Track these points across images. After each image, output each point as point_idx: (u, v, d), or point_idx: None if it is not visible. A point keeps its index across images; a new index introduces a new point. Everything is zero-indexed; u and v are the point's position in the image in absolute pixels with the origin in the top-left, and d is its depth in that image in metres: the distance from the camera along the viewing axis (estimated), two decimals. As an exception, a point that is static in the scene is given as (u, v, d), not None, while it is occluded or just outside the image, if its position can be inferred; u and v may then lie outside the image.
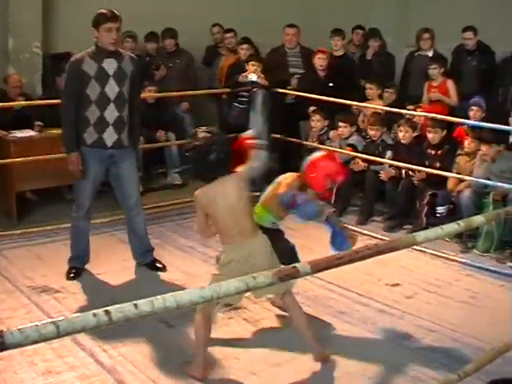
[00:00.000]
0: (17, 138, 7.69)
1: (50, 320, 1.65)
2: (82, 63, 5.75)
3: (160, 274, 6.22)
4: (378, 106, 8.54)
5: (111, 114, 5.83)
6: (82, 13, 9.12)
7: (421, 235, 2.74)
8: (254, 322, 5.22)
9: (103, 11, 5.76)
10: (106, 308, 1.71)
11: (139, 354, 4.71)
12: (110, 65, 5.79)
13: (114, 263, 6.33)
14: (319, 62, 9.12)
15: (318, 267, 2.12)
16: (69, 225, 6.97)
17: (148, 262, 6.35)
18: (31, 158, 7.39)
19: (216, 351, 4.75)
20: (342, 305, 5.59)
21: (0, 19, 8.74)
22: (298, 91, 8.89)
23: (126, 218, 6.35)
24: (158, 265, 6.34)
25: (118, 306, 1.74)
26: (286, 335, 4.96)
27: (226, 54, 9.87)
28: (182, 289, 2.01)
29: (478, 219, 2.97)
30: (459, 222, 2.85)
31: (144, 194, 8.53)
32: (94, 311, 1.70)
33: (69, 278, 6.04)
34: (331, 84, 8.97)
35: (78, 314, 1.70)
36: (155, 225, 7.46)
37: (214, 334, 4.63)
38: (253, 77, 8.58)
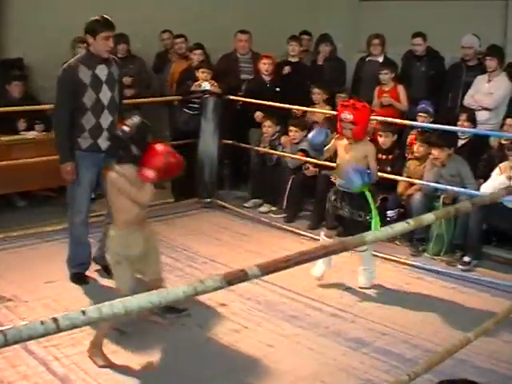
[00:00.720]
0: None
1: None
2: (78, 71, 5.81)
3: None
4: (324, 110, 8.54)
5: (106, 119, 5.94)
6: (34, 18, 9.14)
7: (370, 235, 2.76)
8: (206, 328, 5.22)
9: (99, 19, 5.87)
10: (53, 316, 1.70)
11: (91, 362, 4.67)
12: (102, 71, 5.90)
13: (64, 271, 6.25)
14: (264, 67, 9.16)
15: (267, 269, 2.13)
16: (17, 233, 6.97)
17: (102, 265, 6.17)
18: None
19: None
20: (294, 309, 5.61)
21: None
22: (246, 97, 8.91)
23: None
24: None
25: (65, 313, 1.73)
26: (238, 339, 4.98)
27: (177, 60, 9.83)
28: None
29: (427, 217, 3.00)
30: (409, 220, 2.88)
31: (95, 201, 8.53)
32: (42, 319, 1.69)
33: (78, 283, 6.09)
34: (278, 89, 8.99)
35: (26, 322, 1.68)
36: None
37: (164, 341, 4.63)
38: (206, 85, 8.60)
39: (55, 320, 1.68)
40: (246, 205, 8.65)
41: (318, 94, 9.02)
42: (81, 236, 6.16)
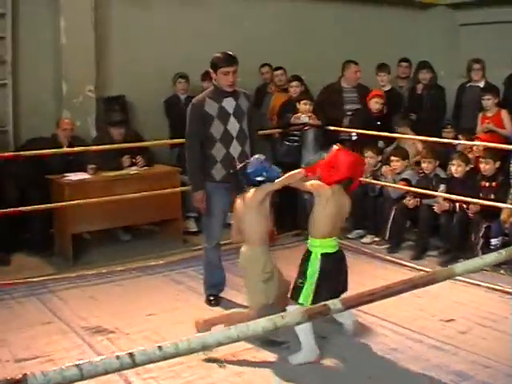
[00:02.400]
0: (71, 181, 7.81)
1: (74, 363, 1.66)
2: (204, 104, 6.17)
3: (215, 313, 6.19)
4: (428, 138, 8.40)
5: (235, 149, 6.22)
6: (135, 55, 9.39)
7: (459, 266, 2.69)
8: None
9: (219, 55, 6.15)
10: (130, 351, 1.71)
11: (189, 395, 4.70)
12: (229, 103, 6.20)
13: (165, 303, 6.33)
14: (376, 106, 9.05)
15: (350, 304, 2.09)
16: (121, 267, 7.12)
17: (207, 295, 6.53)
18: (86, 200, 7.50)
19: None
20: (395, 341, 5.50)
21: (54, 65, 9.01)
22: (349, 128, 8.87)
23: None
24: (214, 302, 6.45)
25: (142, 348, 1.74)
26: (343, 372, 4.92)
27: (276, 93, 9.90)
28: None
29: (521, 246, 2.90)
30: (501, 251, 2.79)
31: (199, 234, 8.62)
32: (118, 354, 1.70)
33: (211, 305, 6.39)
34: (379, 122, 8.89)
35: (102, 357, 1.70)
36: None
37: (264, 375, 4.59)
38: (304, 119, 8.62)
39: (131, 355, 1.69)
40: (348, 236, 8.56)
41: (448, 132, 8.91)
42: (213, 260, 6.45)
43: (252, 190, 5.30)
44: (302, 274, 5.18)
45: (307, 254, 5.24)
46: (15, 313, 6.25)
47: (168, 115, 9.71)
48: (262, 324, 1.92)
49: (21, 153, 7.58)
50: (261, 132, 9.50)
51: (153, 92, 9.54)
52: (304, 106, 8.76)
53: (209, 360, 5.03)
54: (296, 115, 8.79)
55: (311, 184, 5.20)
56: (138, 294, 6.74)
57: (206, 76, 9.72)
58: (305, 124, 8.61)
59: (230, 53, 6.20)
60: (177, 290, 6.80)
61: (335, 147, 5.31)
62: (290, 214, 8.97)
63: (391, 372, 5.00)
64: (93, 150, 8.07)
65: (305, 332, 5.05)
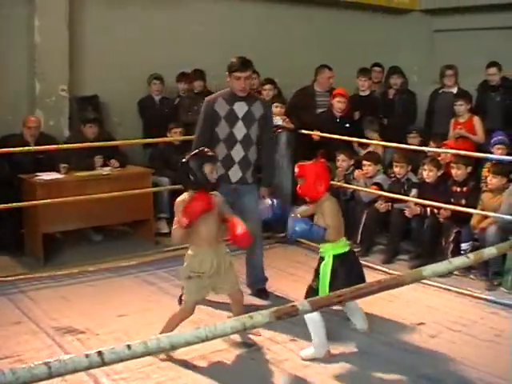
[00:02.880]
0: (43, 180, 7.77)
1: (42, 361, 1.67)
2: (215, 103, 6.30)
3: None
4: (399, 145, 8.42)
5: (237, 153, 6.32)
6: (109, 56, 9.36)
7: (428, 269, 2.71)
8: (276, 363, 5.18)
9: (234, 60, 6.25)
10: (99, 349, 1.71)
11: (159, 396, 4.71)
12: (240, 108, 6.27)
13: (136, 304, 6.33)
14: (338, 105, 9.10)
15: (318, 305, 2.10)
16: (93, 268, 7.15)
17: (256, 290, 6.71)
18: (57, 199, 7.47)
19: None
20: (365, 344, 5.53)
21: (27, 63, 8.96)
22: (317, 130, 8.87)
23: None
24: (262, 296, 6.65)
25: (111, 347, 1.74)
26: (307, 374, 4.94)
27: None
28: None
29: (488, 251, 2.94)
30: (469, 255, 2.82)
31: (169, 235, 8.59)
32: (87, 352, 1.70)
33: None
34: (347, 125, 8.90)
35: (71, 356, 1.70)
36: (182, 266, 7.44)
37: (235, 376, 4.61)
38: (278, 121, 8.63)
39: (100, 353, 1.70)
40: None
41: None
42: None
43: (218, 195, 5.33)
44: (316, 276, 5.34)
45: (320, 260, 5.37)
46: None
47: (142, 116, 9.71)
48: (230, 324, 1.93)
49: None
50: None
51: (126, 93, 9.53)
52: (275, 108, 8.75)
53: (179, 361, 5.05)
54: None
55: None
56: (110, 294, 6.71)
57: (181, 77, 9.77)
58: (277, 126, 8.61)
59: (246, 58, 6.30)
60: (148, 291, 6.79)
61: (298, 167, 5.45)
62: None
63: (361, 375, 5.03)
64: (63, 148, 8.03)
65: (316, 327, 5.20)
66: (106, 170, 8.33)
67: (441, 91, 9.59)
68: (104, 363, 1.71)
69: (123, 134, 9.19)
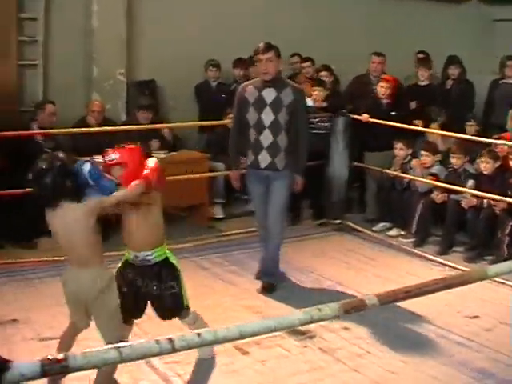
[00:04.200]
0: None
1: (113, 346, 1.68)
2: (246, 90, 6.41)
3: (238, 300, 6.23)
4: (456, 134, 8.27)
5: (266, 138, 6.32)
6: (166, 41, 9.38)
7: (492, 269, 2.68)
8: (329, 352, 5.17)
9: (259, 44, 6.35)
10: (169, 336, 1.72)
11: (213, 381, 4.74)
12: (268, 94, 6.30)
13: (190, 289, 6.31)
14: (381, 90, 8.88)
15: (385, 300, 2.09)
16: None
17: (264, 283, 6.53)
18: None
19: (290, 379, 4.74)
20: (418, 336, 5.49)
21: (85, 48, 9.06)
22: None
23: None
24: (266, 290, 6.48)
25: (181, 334, 1.75)
26: (360, 364, 4.92)
27: (304, 83, 9.86)
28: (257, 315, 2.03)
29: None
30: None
31: (225, 220, 8.66)
32: (158, 338, 1.71)
33: (260, 292, 6.46)
34: (393, 112, 8.74)
35: (142, 341, 1.71)
36: (235, 251, 7.50)
37: (288, 363, 4.62)
38: (308, 101, 8.55)
39: (170, 340, 1.70)
40: (374, 228, 8.53)
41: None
42: (263, 249, 6.66)
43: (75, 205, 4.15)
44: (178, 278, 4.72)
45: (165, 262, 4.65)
46: (39, 292, 6.30)
47: (198, 101, 9.73)
48: (298, 316, 1.93)
49: (50, 131, 7.62)
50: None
51: (183, 77, 9.53)
52: (314, 92, 8.74)
53: (232, 347, 5.06)
54: None
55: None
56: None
57: (237, 63, 9.75)
58: (309, 108, 8.53)
59: (269, 42, 6.36)
60: (202, 276, 6.82)
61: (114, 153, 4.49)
62: (314, 201, 8.98)
63: (414, 366, 5.00)
64: (119, 130, 8.06)
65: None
66: (162, 154, 8.36)
67: (501, 82, 9.46)
68: (174, 350, 1.71)
69: (178, 118, 9.20)
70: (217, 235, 8.08)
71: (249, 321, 2.00)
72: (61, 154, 4.35)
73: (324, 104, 8.74)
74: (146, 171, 4.40)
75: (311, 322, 1.98)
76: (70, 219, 4.12)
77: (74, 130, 7.95)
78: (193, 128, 9.45)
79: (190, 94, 9.69)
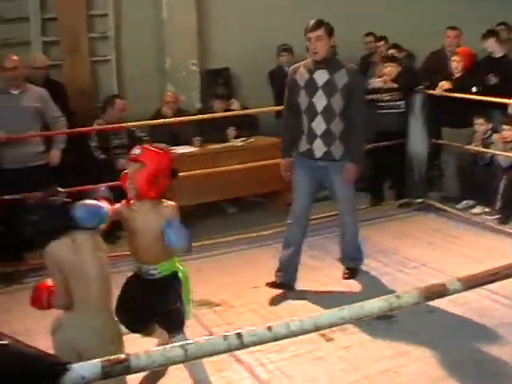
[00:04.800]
0: (177, 154, 7.82)
1: (178, 344, 1.61)
2: (296, 73, 5.93)
3: (322, 286, 6.13)
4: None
5: (318, 125, 5.86)
6: (237, 29, 9.33)
7: None
8: (414, 335, 5.05)
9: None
10: (238, 331, 1.64)
11: (297, 368, 4.67)
12: (320, 76, 5.81)
13: (271, 276, 6.24)
14: (454, 64, 8.48)
15: (469, 284, 1.96)
16: (227, 239, 7.12)
17: (346, 267, 6.38)
18: (191, 172, 7.49)
19: (375, 365, 4.63)
20: (506, 315, 5.30)
21: (156, 40, 9.11)
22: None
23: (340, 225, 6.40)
24: (347, 275, 6.32)
25: (251, 328, 1.66)
26: (447, 347, 4.78)
27: (380, 63, 9.69)
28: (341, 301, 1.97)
29: None
30: None
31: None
32: (226, 334, 1.63)
33: (269, 286, 6.06)
34: (474, 89, 8.37)
35: (208, 337, 1.63)
36: (317, 236, 7.40)
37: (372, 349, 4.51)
38: (378, 83, 8.37)
39: (239, 335, 1.62)
40: (458, 206, 8.31)
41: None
42: (288, 238, 6.15)
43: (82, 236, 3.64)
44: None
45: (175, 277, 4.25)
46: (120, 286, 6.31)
47: (272, 86, 9.64)
48: (377, 304, 1.82)
49: (123, 124, 7.63)
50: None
51: (257, 64, 9.47)
52: (385, 68, 8.54)
53: (316, 334, 4.97)
54: (370, 80, 8.61)
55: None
56: (244, 266, 6.75)
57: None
58: (379, 89, 8.38)
59: (319, 19, 5.88)
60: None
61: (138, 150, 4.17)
62: (396, 180, 8.82)
63: (504, 349, 4.83)
64: (194, 120, 8.06)
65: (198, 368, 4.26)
66: (239, 142, 8.32)
67: None
68: (243, 345, 1.63)
69: (253, 105, 9.13)
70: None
71: (331, 308, 1.91)
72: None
73: (394, 85, 8.50)
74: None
75: (390, 311, 1.87)
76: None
77: (145, 122, 7.97)
78: (269, 114, 9.37)
79: (264, 80, 9.61)
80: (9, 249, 6.91)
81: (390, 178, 8.80)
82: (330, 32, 5.84)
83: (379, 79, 8.52)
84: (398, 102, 8.48)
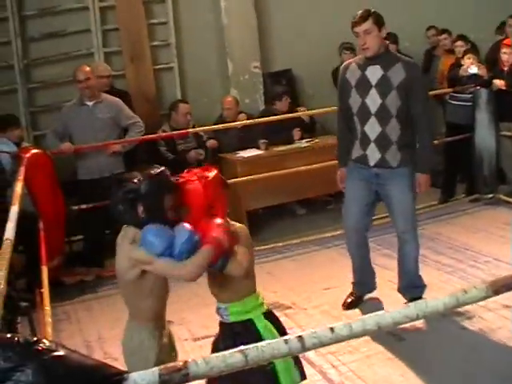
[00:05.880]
0: (243, 157, 7.83)
1: (238, 348, 1.57)
2: (347, 70, 5.28)
3: (395, 285, 5.86)
4: None
5: (372, 129, 5.15)
6: (297, 29, 9.32)
7: None
8: (489, 332, 4.92)
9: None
10: (299, 334, 1.60)
11: (369, 370, 4.60)
12: (373, 73, 5.11)
13: (342, 277, 6.16)
14: (504, 57, 8.10)
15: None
16: (297, 241, 7.07)
17: (409, 299, 5.42)
18: (258, 175, 7.49)
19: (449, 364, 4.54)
20: None
21: (217, 45, 9.17)
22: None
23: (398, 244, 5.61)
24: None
25: (312, 331, 1.62)
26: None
27: (443, 56, 9.56)
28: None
29: None
30: None
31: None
32: (286, 337, 1.59)
33: (345, 306, 5.63)
34: None
35: (269, 341, 1.60)
36: (388, 234, 7.30)
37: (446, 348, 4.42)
38: (473, 69, 8.07)
39: (300, 338, 1.58)
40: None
41: None
42: (351, 250, 5.62)
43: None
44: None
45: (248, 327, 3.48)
46: (193, 292, 6.31)
47: (336, 85, 9.58)
48: (443, 301, 1.76)
49: (188, 130, 7.69)
50: (433, 92, 9.06)
51: (319, 64, 9.43)
52: (468, 59, 8.28)
53: (385, 333, 4.89)
54: (463, 67, 8.21)
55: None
56: (315, 267, 6.70)
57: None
58: (475, 77, 8.13)
59: (365, 10, 5.18)
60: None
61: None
62: (465, 176, 8.68)
63: None
64: (257, 122, 8.03)
65: None
66: (304, 143, 8.28)
67: None
68: (305, 349, 1.59)
69: (318, 105, 9.09)
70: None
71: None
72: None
73: (486, 74, 8.18)
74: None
75: (458, 306, 1.80)
76: None
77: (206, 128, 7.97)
78: (334, 113, 9.30)
79: (328, 79, 9.55)
80: (89, 256, 7.15)
81: (461, 172, 8.64)
82: (380, 22, 5.11)
83: (473, 65, 8.11)
84: (468, 95, 8.30)
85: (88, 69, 7.15)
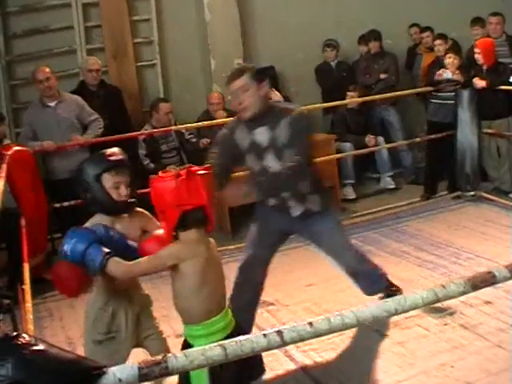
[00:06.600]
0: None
1: (217, 343, 1.59)
2: (235, 130, 4.64)
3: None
4: None
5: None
6: (281, 26, 9.34)
7: None
8: (471, 328, 4.95)
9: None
10: (278, 328, 1.61)
11: (352, 366, 4.62)
12: (262, 133, 4.52)
13: (324, 273, 6.16)
14: (477, 56, 8.13)
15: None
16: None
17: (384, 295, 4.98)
18: (239, 174, 7.47)
19: (431, 359, 4.56)
20: None
21: (200, 41, 9.19)
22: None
23: None
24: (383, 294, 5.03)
25: (291, 325, 1.63)
26: (503, 340, 4.68)
27: (425, 54, 9.62)
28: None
29: None
30: None
31: (357, 200, 8.56)
32: (265, 332, 1.60)
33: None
34: None
35: (248, 336, 1.61)
36: (370, 231, 7.37)
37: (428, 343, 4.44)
38: (447, 74, 8.20)
39: (279, 333, 1.59)
40: (511, 195, 8.17)
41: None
42: None
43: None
44: None
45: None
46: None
47: (320, 82, 9.64)
48: (421, 295, 1.78)
49: (172, 127, 7.75)
50: (408, 92, 9.17)
51: (302, 61, 9.49)
52: (449, 59, 8.32)
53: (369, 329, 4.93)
54: (438, 72, 8.37)
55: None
56: (296, 264, 6.71)
57: (361, 40, 9.61)
58: (448, 81, 8.21)
59: (239, 67, 5.05)
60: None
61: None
62: (447, 173, 8.73)
63: None
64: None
65: None
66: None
67: None
68: (284, 343, 1.60)
69: (301, 102, 9.10)
70: (349, 216, 7.96)
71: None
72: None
73: (461, 79, 8.25)
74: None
75: (436, 301, 1.82)
76: None
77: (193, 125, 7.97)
78: (317, 110, 9.32)
79: (311, 76, 9.59)
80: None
81: (443, 170, 8.69)
82: (259, 77, 4.45)
83: (447, 70, 8.29)
84: (451, 94, 8.34)
85: (48, 69, 7.17)
